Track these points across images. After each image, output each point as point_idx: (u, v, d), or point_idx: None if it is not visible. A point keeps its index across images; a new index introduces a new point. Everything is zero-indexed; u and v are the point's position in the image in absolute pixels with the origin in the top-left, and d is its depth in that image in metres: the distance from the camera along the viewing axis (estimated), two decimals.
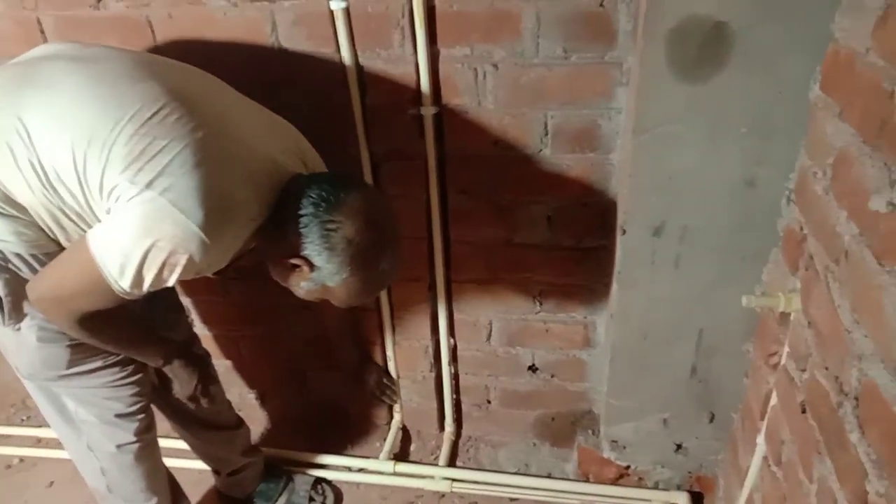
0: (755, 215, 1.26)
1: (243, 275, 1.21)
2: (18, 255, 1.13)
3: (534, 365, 1.78)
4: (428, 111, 1.39)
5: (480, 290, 1.67)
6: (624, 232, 1.35)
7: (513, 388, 1.84)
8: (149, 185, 0.98)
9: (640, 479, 1.75)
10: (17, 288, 1.16)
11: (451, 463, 1.90)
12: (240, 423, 1.74)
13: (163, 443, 1.55)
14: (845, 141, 0.93)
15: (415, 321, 1.76)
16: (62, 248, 1.13)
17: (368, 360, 1.81)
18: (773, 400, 1.21)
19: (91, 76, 1.07)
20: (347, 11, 1.30)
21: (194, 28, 1.39)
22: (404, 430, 1.99)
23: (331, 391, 1.97)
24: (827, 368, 0.96)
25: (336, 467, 1.90)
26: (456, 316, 1.74)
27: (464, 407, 1.93)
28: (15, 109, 1.04)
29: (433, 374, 1.84)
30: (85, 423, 1.36)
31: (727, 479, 1.56)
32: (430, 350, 1.80)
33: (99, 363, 1.28)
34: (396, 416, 1.97)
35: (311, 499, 1.80)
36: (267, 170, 1.09)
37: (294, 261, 1.08)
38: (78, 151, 1.01)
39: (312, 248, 1.06)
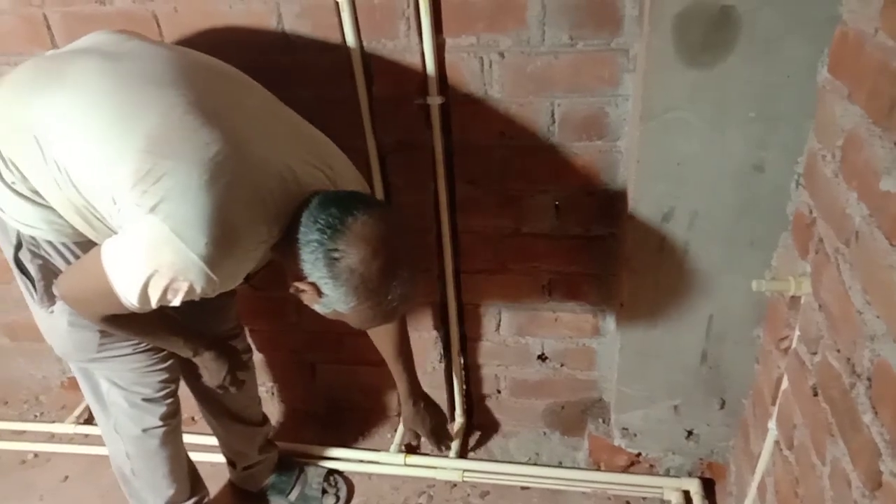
0: (764, 200, 1.26)
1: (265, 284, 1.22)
2: (49, 243, 1.16)
3: (543, 354, 1.78)
4: (434, 101, 1.39)
5: (489, 280, 1.67)
6: (632, 219, 1.35)
7: (522, 377, 1.84)
8: (152, 209, 0.97)
9: (652, 466, 1.76)
10: (49, 273, 1.19)
11: (462, 453, 1.90)
12: (264, 421, 1.76)
13: None
14: (854, 122, 0.92)
15: (424, 312, 1.76)
16: (92, 242, 1.13)
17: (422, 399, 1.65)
18: (785, 384, 1.21)
19: (116, 78, 1.06)
20: (353, 2, 1.30)
21: (200, 22, 1.39)
22: None
23: (340, 383, 1.98)
24: (839, 350, 0.96)
25: (347, 459, 1.90)
26: (465, 306, 1.74)
27: (474, 397, 1.93)
28: (42, 106, 1.05)
29: (443, 365, 1.85)
30: (114, 405, 1.38)
31: (739, 464, 1.56)
32: (440, 341, 1.80)
33: (129, 350, 1.30)
34: None
35: (324, 490, 1.81)
36: (281, 188, 1.05)
37: (301, 285, 1.05)
38: (92, 158, 1.02)
39: (318, 275, 1.02)
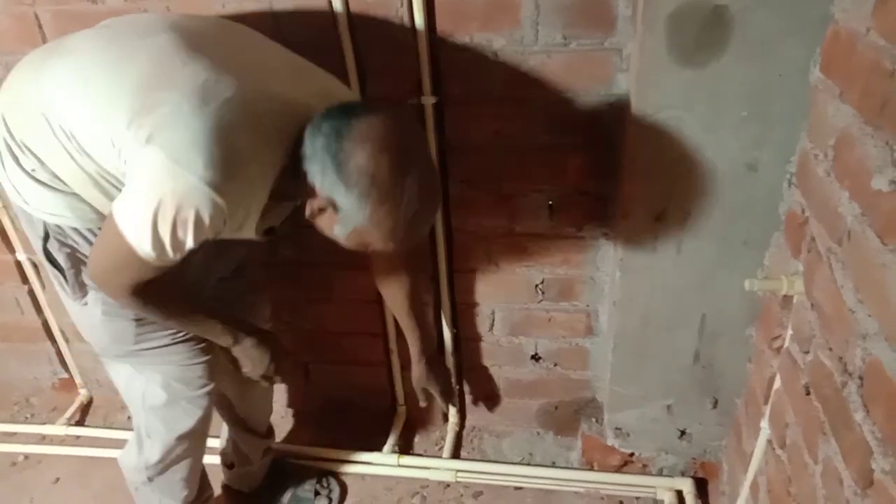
0: (756, 199, 1.27)
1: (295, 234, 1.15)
2: (76, 230, 1.15)
3: (537, 354, 1.78)
4: (428, 100, 1.39)
5: (482, 280, 1.67)
6: (626, 218, 1.36)
7: (516, 377, 1.84)
8: (148, 140, 0.96)
9: (645, 465, 1.76)
10: (78, 262, 1.18)
11: (456, 453, 1.90)
12: (270, 433, 1.75)
13: None
14: (846, 122, 0.93)
15: None
16: None
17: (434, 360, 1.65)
18: (777, 383, 1.22)
19: (109, 38, 1.08)
20: (346, 2, 1.30)
21: None
22: (408, 421, 1.99)
23: (333, 383, 1.98)
24: (831, 349, 0.97)
25: (340, 460, 1.90)
26: (458, 306, 1.74)
27: (467, 397, 1.93)
28: (45, 81, 1.07)
29: None
30: (150, 408, 1.35)
31: (731, 464, 1.56)
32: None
33: (167, 339, 1.26)
34: (400, 408, 1.98)
35: (317, 492, 1.80)
36: (280, 110, 1.03)
37: (317, 203, 1.01)
38: (92, 114, 1.02)
39: (330, 184, 0.98)
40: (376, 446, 1.92)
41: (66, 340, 2.03)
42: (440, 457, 1.87)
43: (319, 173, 0.99)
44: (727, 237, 1.32)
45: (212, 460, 1.77)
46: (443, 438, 1.93)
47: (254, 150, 1.00)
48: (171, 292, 1.12)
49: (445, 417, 1.96)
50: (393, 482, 1.84)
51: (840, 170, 0.95)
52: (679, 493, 1.71)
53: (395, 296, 1.49)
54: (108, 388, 2.10)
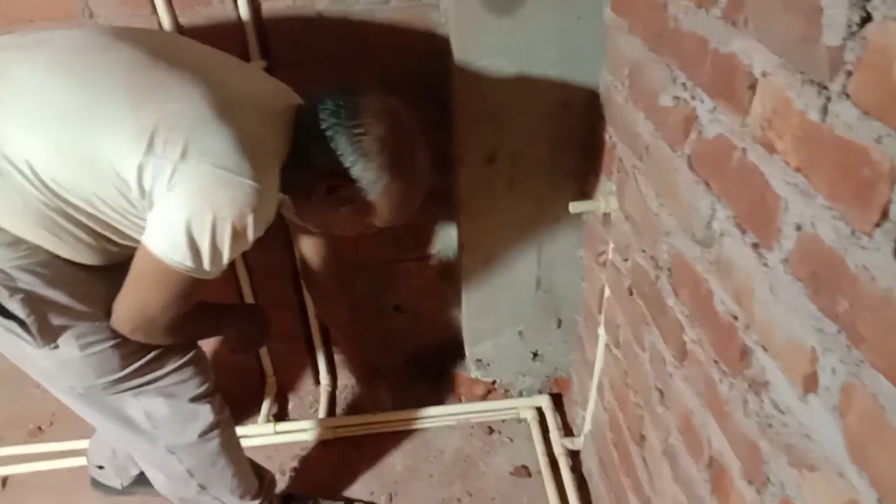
0: (573, 133, 1.41)
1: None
2: (22, 269, 1.01)
3: (399, 305, 1.86)
4: (257, 65, 1.39)
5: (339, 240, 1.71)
6: (461, 164, 1.45)
7: (381, 331, 1.91)
8: (183, 156, 0.92)
9: (506, 391, 1.91)
10: (39, 305, 1.04)
11: (332, 412, 1.95)
12: None
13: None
14: (636, 53, 1.07)
15: (276, 283, 1.77)
16: (63, 259, 1.03)
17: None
18: (607, 292, 1.38)
19: (46, 56, 0.96)
20: None
21: None
22: (279, 390, 2.01)
23: None
24: (644, 251, 1.12)
25: None
26: None
27: (336, 357, 1.98)
28: None
29: (302, 330, 1.88)
30: (159, 424, 1.26)
31: (579, 374, 1.74)
32: (296, 307, 1.82)
33: (152, 355, 1.18)
34: (270, 380, 1.99)
35: None
36: (268, 107, 1.04)
37: (330, 182, 1.03)
38: (69, 143, 0.92)
39: (345, 160, 1.01)
40: (249, 419, 1.93)
41: None
42: (316, 418, 1.91)
43: (333, 150, 1.01)
44: (552, 170, 1.46)
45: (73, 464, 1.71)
46: (317, 401, 1.97)
47: (270, 142, 1.02)
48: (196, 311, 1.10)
49: (317, 380, 2.00)
50: (272, 450, 1.86)
51: (635, 95, 1.10)
52: (539, 410, 1.88)
53: (334, 310, 1.63)
54: None
